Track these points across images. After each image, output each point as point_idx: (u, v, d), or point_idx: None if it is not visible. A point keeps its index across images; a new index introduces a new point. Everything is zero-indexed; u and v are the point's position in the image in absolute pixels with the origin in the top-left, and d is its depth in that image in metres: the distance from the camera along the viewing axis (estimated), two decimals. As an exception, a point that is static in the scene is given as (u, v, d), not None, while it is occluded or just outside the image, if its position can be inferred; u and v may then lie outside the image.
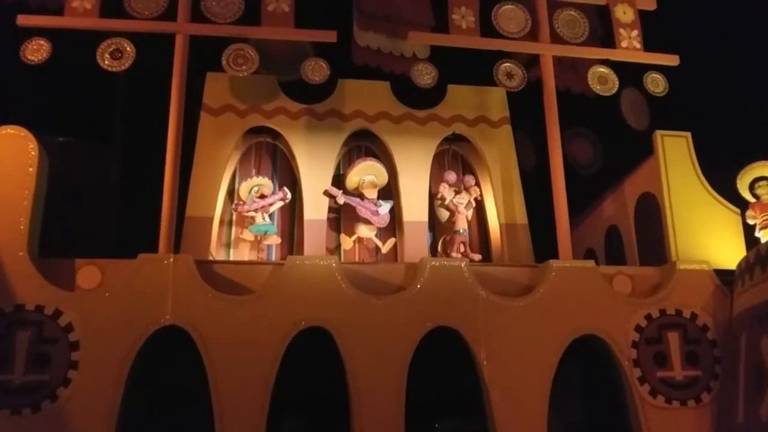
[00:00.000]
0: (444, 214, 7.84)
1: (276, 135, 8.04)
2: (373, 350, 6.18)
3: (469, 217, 7.79)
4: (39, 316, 5.94)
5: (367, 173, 7.62)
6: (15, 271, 6.02)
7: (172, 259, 6.20)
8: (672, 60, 7.58)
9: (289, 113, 7.76)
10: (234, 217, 7.89)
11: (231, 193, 7.90)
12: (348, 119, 7.83)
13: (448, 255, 7.64)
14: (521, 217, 7.76)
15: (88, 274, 6.34)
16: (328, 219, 7.76)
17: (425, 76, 7.18)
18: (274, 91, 7.80)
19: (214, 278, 6.34)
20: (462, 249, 7.58)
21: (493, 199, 7.94)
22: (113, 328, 5.98)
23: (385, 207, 7.53)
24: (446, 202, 7.72)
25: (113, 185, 7.57)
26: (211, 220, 7.36)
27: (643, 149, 8.37)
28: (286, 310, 6.19)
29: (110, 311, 6.02)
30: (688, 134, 7.54)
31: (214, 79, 7.73)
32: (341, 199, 7.50)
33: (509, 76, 7.19)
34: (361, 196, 7.55)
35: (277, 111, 7.76)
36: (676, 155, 7.48)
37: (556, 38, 7.40)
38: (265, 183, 7.52)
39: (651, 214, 7.93)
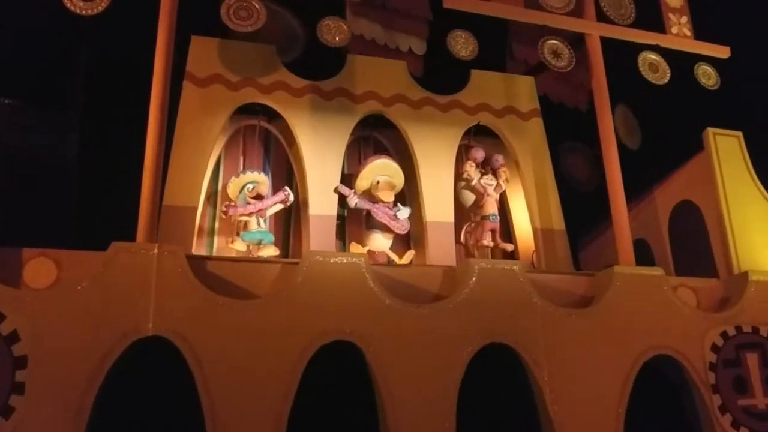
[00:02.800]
0: (469, 198, 6.66)
1: (270, 117, 6.75)
2: (415, 371, 4.89)
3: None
4: (-29, 321, 4.38)
5: (381, 173, 6.36)
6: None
7: (156, 251, 4.75)
8: (723, 52, 6.83)
9: (290, 89, 6.45)
10: (216, 223, 6.47)
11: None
12: (359, 101, 6.60)
13: (475, 245, 6.48)
14: (558, 221, 6.70)
15: (39, 268, 4.78)
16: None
17: (466, 45, 6.07)
18: (273, 63, 6.49)
19: (209, 279, 4.90)
20: (491, 238, 6.44)
21: (525, 201, 6.86)
22: (74, 340, 4.46)
23: (404, 212, 6.28)
24: (473, 183, 6.55)
25: (71, 161, 5.96)
26: (194, 210, 5.90)
27: (671, 157, 7.65)
28: (305, 319, 4.84)
29: (70, 317, 4.49)
30: (740, 133, 6.78)
31: (200, 44, 6.35)
32: (353, 201, 6.19)
33: (556, 55, 6.21)
34: (375, 200, 6.31)
35: (276, 86, 6.43)
36: (728, 156, 6.67)
37: (603, 19, 6.52)
38: (261, 180, 6.14)
39: (691, 225, 7.10)
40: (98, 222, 6.01)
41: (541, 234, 6.63)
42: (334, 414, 4.96)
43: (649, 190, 7.81)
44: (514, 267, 5.40)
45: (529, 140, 6.93)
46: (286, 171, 6.77)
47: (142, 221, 4.94)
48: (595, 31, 6.42)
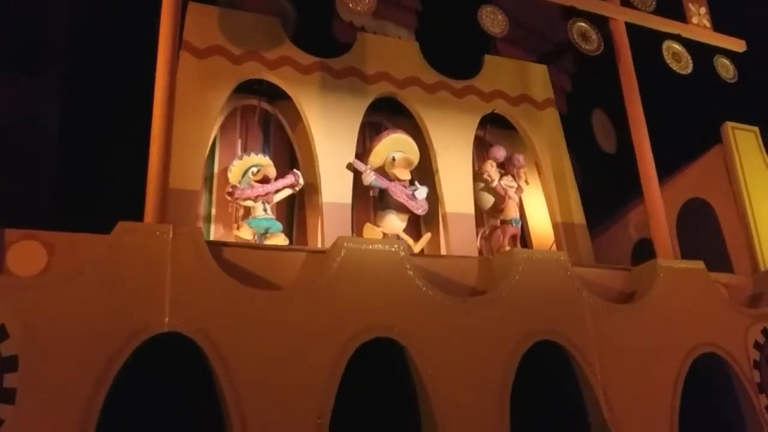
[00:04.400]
0: (487, 200, 6.22)
1: (271, 97, 6.12)
2: (464, 370, 4.36)
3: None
4: (-55, 314, 3.55)
5: (397, 148, 5.86)
6: None
7: (171, 233, 4.04)
8: (739, 45, 6.68)
9: (298, 66, 5.84)
10: (213, 210, 5.77)
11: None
12: (371, 81, 6.06)
13: (494, 252, 6.05)
14: (578, 215, 6.34)
15: (25, 252, 4.00)
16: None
17: (499, 23, 5.62)
18: (278, 36, 5.87)
19: (226, 268, 4.23)
20: (512, 245, 6.01)
21: (544, 195, 6.47)
22: (76, 338, 3.70)
23: (422, 191, 5.78)
24: (494, 185, 6.12)
25: (48, 132, 5.11)
26: (196, 194, 5.20)
27: (677, 155, 7.46)
28: (343, 314, 4.23)
29: (70, 311, 3.72)
30: (756, 128, 6.64)
31: (198, 11, 5.67)
32: (369, 177, 5.64)
33: (585, 38, 5.88)
34: (389, 178, 5.79)
35: (282, 61, 5.80)
36: (747, 151, 6.51)
37: (626, 4, 6.26)
38: (267, 163, 5.53)
39: (702, 223, 6.91)
40: (85, 202, 5.20)
41: (563, 228, 6.24)
42: (368, 414, 4.36)
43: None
44: (561, 258, 4.97)
45: (546, 131, 6.56)
46: (288, 156, 6.15)
47: (150, 199, 4.22)
48: (621, 16, 6.12)
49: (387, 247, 4.55)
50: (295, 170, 5.57)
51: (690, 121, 7.34)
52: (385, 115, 6.45)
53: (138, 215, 4.26)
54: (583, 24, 5.88)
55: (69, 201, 5.21)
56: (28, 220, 4.24)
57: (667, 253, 5.52)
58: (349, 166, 5.66)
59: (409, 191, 5.74)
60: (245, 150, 5.96)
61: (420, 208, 5.73)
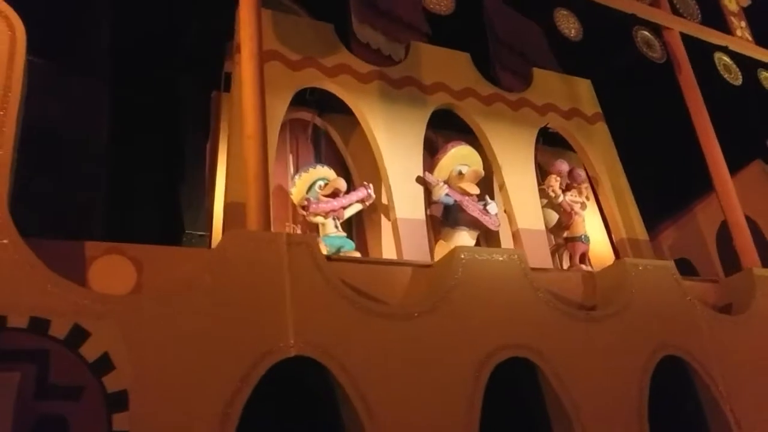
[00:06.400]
0: (551, 217, 5.88)
1: (321, 110, 5.66)
2: (601, 389, 3.94)
3: None
4: (37, 340, 2.84)
5: (464, 162, 5.47)
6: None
7: (285, 240, 3.47)
8: (779, 59, 6.73)
9: (356, 74, 5.40)
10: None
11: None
12: (429, 92, 5.68)
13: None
14: (641, 231, 6.05)
15: (111, 268, 3.35)
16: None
17: (573, 25, 5.38)
18: (333, 43, 5.45)
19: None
20: (582, 263, 5.68)
21: (605, 211, 6.18)
22: (192, 367, 3.06)
23: (493, 206, 5.40)
24: (560, 200, 5.79)
25: (101, 137, 4.41)
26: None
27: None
28: (474, 333, 3.75)
29: (182, 335, 3.10)
30: (796, 143, 6.66)
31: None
32: (441, 191, 5.20)
33: (649, 45, 5.73)
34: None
35: (341, 69, 5.35)
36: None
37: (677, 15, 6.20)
38: (333, 176, 5.06)
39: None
40: (133, 214, 4.57)
41: (628, 244, 5.96)
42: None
43: (688, 206, 7.50)
44: (669, 266, 4.66)
45: (599, 145, 6.32)
46: (341, 172, 5.65)
47: (252, 203, 3.64)
48: (675, 26, 6.03)
49: (505, 257, 4.12)
50: (366, 183, 5.08)
51: (728, 134, 7.31)
52: (432, 128, 6.07)
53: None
54: (646, 32, 5.75)
55: (115, 210, 4.55)
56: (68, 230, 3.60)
57: (753, 262, 5.30)
58: (419, 180, 5.22)
59: (480, 206, 5.35)
60: (296, 166, 5.47)
61: (494, 223, 5.33)
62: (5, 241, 2.95)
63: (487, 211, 5.33)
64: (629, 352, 4.14)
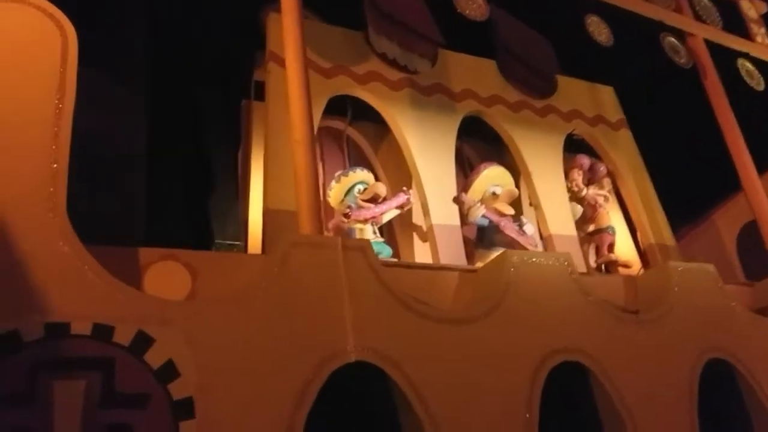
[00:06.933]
0: (575, 210, 5.82)
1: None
2: (654, 393, 3.90)
3: None
4: (102, 347, 2.77)
5: (497, 182, 5.35)
6: (44, 252, 2.83)
7: (340, 245, 3.43)
8: (798, 66, 6.77)
9: (387, 81, 5.37)
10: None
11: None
12: (458, 99, 5.67)
13: (598, 263, 5.71)
14: (669, 237, 6.05)
15: (166, 274, 3.29)
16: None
17: (604, 30, 5.39)
18: (363, 51, 5.43)
19: (387, 288, 3.63)
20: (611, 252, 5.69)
21: (633, 216, 6.17)
22: (256, 374, 2.99)
23: (530, 226, 5.30)
24: (584, 194, 5.76)
25: (138, 148, 4.35)
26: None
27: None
28: (525, 337, 3.70)
29: (245, 341, 3.03)
30: (820, 147, 6.66)
31: (278, 22, 5.16)
32: (478, 212, 5.12)
33: (675, 51, 5.76)
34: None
35: (372, 77, 5.34)
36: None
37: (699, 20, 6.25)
38: (373, 180, 5.00)
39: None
40: (163, 224, 4.52)
41: (658, 249, 5.94)
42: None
43: (707, 212, 7.50)
44: (710, 269, 4.64)
45: (625, 152, 6.32)
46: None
47: (303, 208, 3.59)
48: (700, 32, 6.07)
49: (552, 260, 4.09)
50: (406, 188, 5.03)
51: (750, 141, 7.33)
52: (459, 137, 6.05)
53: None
54: (672, 39, 5.78)
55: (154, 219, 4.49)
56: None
57: (787, 266, 5.31)
58: (455, 200, 5.17)
59: (516, 226, 5.28)
60: (325, 173, 5.44)
61: (530, 243, 5.24)
62: (66, 249, 2.89)
63: (524, 232, 5.26)
64: (677, 355, 4.11)
